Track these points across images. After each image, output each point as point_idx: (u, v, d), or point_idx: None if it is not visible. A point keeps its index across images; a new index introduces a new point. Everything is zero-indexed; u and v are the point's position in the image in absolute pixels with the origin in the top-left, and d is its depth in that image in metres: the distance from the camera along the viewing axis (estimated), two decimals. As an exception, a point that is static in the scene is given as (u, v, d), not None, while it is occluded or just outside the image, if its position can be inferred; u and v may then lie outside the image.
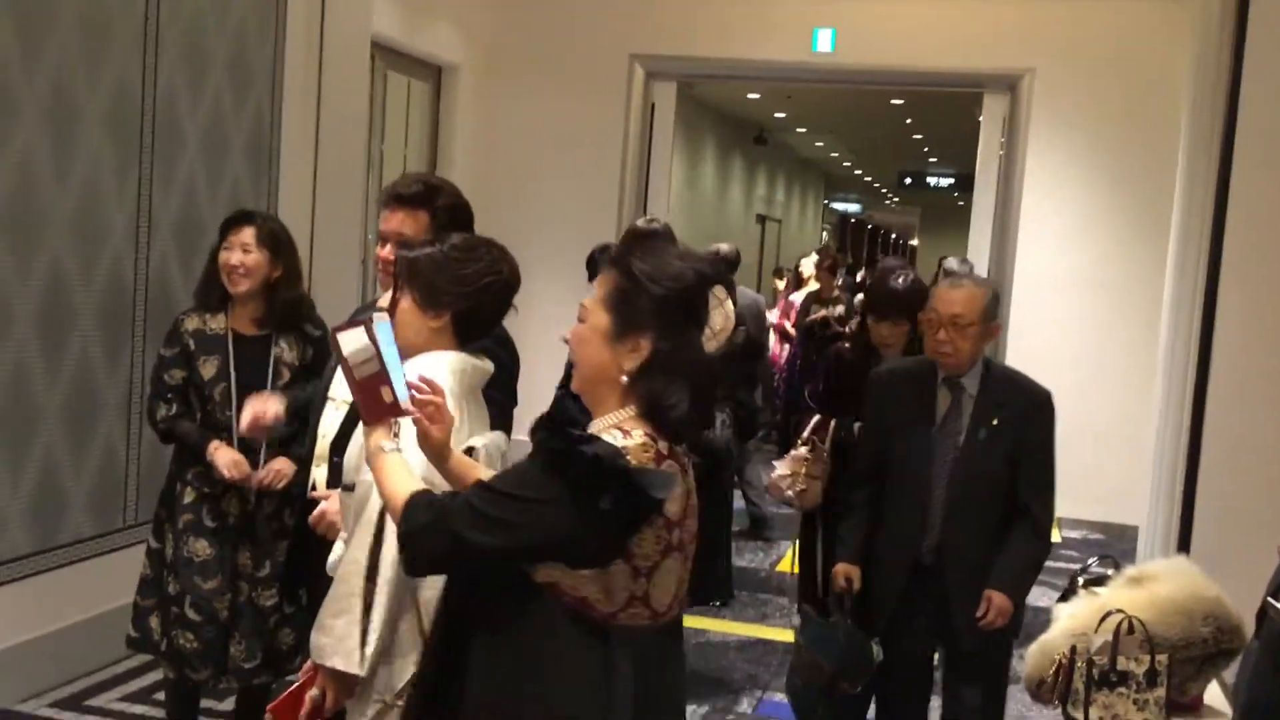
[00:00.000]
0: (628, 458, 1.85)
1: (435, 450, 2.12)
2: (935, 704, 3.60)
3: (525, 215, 7.72)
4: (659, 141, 8.46)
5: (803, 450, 4.15)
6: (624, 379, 1.93)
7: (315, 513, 2.73)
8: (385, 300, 2.68)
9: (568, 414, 1.92)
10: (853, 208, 31.65)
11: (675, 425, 1.94)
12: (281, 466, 3.49)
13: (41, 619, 4.23)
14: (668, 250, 2.01)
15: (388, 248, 2.85)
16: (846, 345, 4.51)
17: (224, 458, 3.45)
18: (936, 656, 3.64)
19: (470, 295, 2.46)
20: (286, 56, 5.26)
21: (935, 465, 3.35)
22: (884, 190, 28.94)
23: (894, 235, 36.95)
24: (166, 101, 4.59)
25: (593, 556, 1.85)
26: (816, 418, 4.21)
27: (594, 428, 1.95)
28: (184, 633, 3.48)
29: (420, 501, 1.92)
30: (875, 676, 3.53)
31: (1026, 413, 3.35)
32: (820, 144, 20.86)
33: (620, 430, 1.91)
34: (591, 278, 4.24)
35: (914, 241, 33.75)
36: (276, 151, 5.25)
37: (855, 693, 3.54)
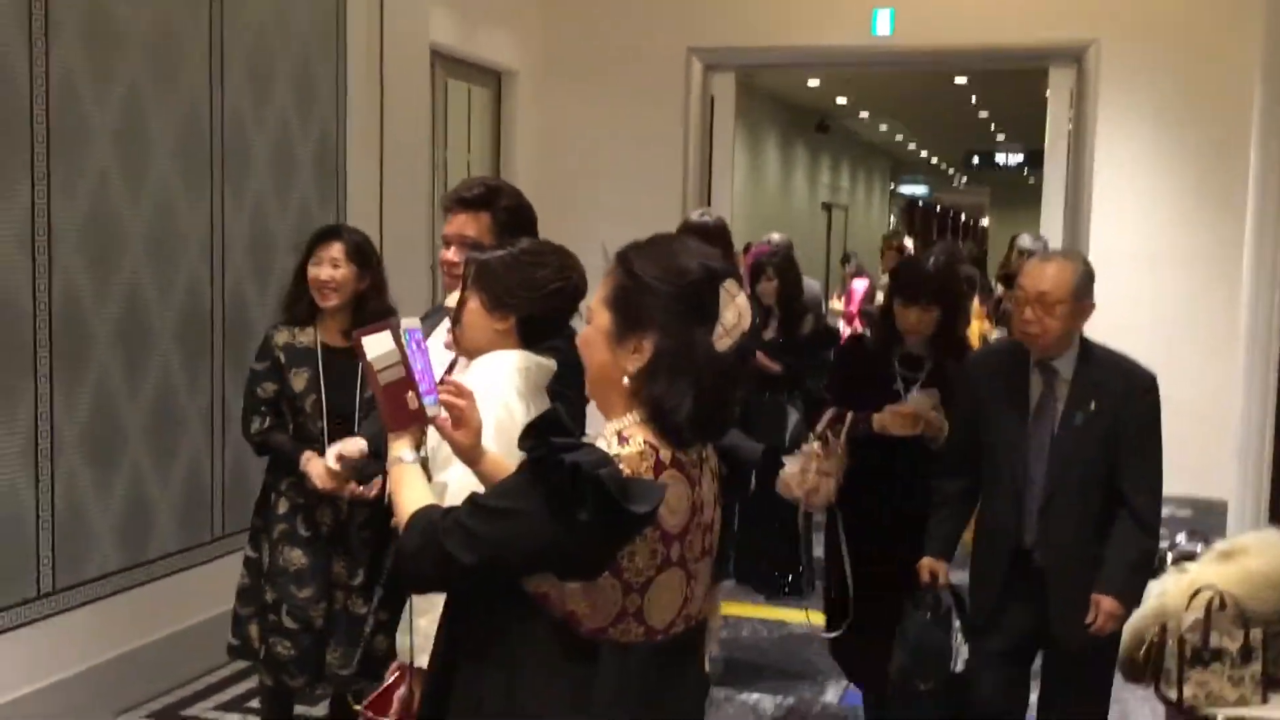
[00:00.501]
0: (620, 466, 1.74)
1: (464, 454, 2.07)
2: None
3: (589, 216, 7.67)
4: (720, 134, 8.42)
5: (814, 445, 3.88)
6: (626, 381, 1.83)
7: (395, 519, 2.75)
8: (451, 302, 2.71)
9: (558, 420, 1.81)
10: (920, 190, 31.32)
11: (680, 429, 1.82)
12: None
13: (133, 633, 4.32)
14: (675, 246, 1.88)
15: (452, 250, 2.89)
16: (866, 331, 4.22)
17: (316, 468, 3.49)
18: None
19: (537, 300, 2.48)
20: (349, 70, 5.33)
21: (1031, 454, 3.18)
22: (952, 171, 28.61)
23: (964, 216, 36.51)
24: (234, 121, 4.67)
25: (579, 568, 1.76)
26: (831, 411, 3.93)
27: (600, 434, 1.87)
28: (281, 640, 3.54)
29: (417, 523, 1.85)
30: (959, 677, 3.36)
31: (1126, 396, 3.14)
32: (884, 128, 20.66)
33: (619, 437, 1.82)
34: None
35: (985, 221, 33.33)
36: (343, 164, 5.32)
37: (928, 689, 3.37)
